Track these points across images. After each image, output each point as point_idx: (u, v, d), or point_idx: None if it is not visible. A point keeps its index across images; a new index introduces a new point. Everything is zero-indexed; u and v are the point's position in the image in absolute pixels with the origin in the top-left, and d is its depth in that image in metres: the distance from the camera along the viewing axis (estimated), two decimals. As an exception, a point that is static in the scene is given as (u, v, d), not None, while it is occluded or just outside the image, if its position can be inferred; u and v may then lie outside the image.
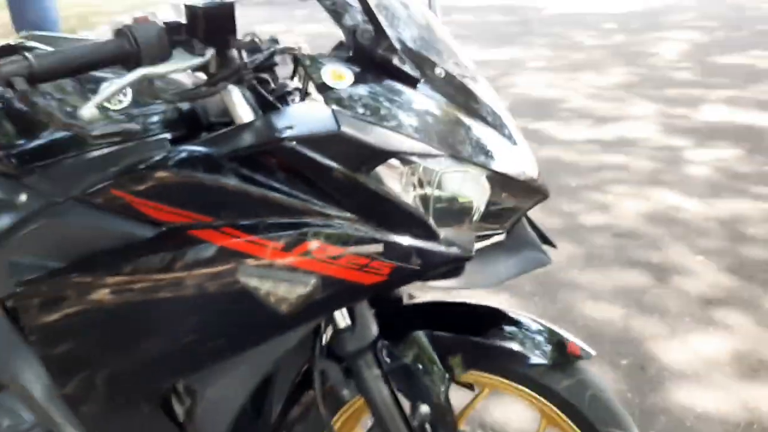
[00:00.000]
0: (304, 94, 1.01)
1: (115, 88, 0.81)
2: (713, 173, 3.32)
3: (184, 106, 1.02)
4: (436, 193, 0.84)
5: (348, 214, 0.84)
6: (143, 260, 0.93)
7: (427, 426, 1.00)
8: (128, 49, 0.84)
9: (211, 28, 0.88)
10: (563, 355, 1.01)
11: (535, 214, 1.00)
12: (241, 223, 0.87)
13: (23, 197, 1.03)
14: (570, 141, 3.87)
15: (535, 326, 1.05)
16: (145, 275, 0.93)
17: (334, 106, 0.83)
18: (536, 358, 1.00)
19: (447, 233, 0.86)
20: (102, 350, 1.00)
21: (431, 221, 0.85)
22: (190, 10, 0.88)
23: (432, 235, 0.85)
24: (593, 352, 1.02)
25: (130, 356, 0.98)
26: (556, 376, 1.02)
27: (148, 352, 0.97)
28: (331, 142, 0.81)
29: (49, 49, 0.94)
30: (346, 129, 0.81)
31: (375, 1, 0.87)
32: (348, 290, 0.87)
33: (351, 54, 0.91)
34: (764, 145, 3.67)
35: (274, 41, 1.05)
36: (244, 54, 0.94)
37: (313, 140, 0.82)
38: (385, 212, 0.84)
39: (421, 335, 1.01)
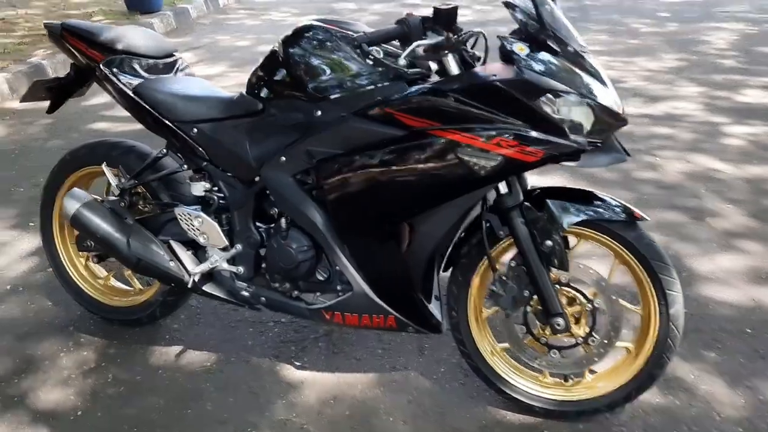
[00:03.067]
0: (484, 61, 1.73)
1: (407, 52, 1.56)
2: (746, 144, 3.96)
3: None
4: (570, 115, 1.56)
5: (521, 123, 1.57)
6: (396, 147, 1.67)
7: (554, 256, 1.72)
8: (405, 31, 1.59)
9: (444, 21, 1.62)
10: (631, 217, 1.72)
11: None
12: (460, 126, 1.60)
13: (318, 113, 1.78)
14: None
15: (614, 201, 1.76)
16: (396, 155, 1.67)
17: (520, 65, 1.55)
18: (616, 217, 1.72)
19: (573, 137, 1.57)
20: (365, 199, 1.74)
21: (566, 129, 1.56)
22: (435, 10, 1.62)
23: (566, 136, 1.57)
24: (649, 218, 1.73)
25: (383, 203, 1.73)
26: (627, 230, 1.73)
27: (395, 200, 1.72)
28: (518, 83, 1.54)
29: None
30: (526, 76, 1.54)
31: (540, 8, 1.58)
32: (518, 165, 1.59)
33: (524, 36, 1.62)
34: (794, 124, 4.27)
35: (460, 29, 1.74)
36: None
37: (509, 82, 1.55)
38: (543, 122, 1.56)
39: (547, 201, 1.73)
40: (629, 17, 7.99)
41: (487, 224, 1.78)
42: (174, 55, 2.19)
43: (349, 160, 1.73)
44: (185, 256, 2.07)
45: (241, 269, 2.02)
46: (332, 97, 1.75)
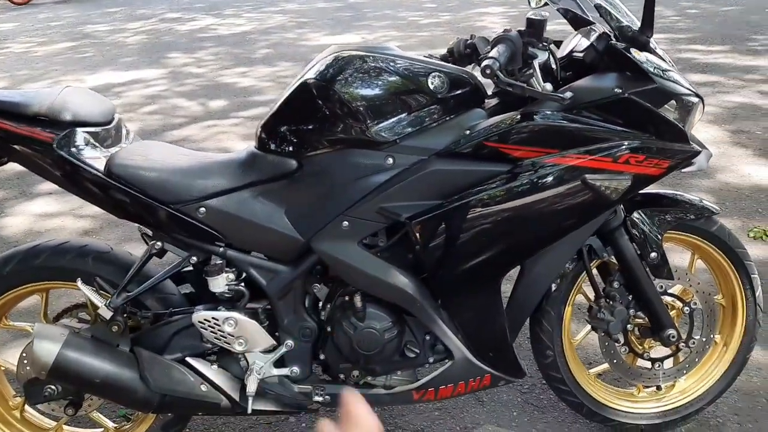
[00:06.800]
0: (557, 73, 1.54)
1: (538, 73, 1.33)
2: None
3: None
4: (689, 118, 1.46)
5: (647, 135, 1.43)
6: (503, 186, 1.43)
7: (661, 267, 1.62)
8: (513, 49, 1.36)
9: (539, 32, 1.42)
10: (710, 211, 1.68)
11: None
12: (583, 149, 1.41)
13: (389, 161, 1.45)
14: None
15: (689, 197, 1.70)
16: (508, 194, 1.42)
17: (646, 71, 1.40)
18: (700, 213, 1.66)
19: (692, 140, 1.48)
20: (477, 249, 1.47)
21: (689, 133, 1.47)
22: (529, 20, 1.41)
23: (687, 141, 1.47)
24: (720, 210, 1.71)
25: (499, 251, 1.47)
26: (710, 224, 1.69)
27: (512, 245, 1.47)
28: (650, 93, 1.40)
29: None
30: (658, 84, 1.40)
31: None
32: (643, 181, 1.45)
33: (622, 42, 1.47)
34: None
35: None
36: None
37: (642, 93, 1.39)
38: (665, 130, 1.44)
39: (643, 212, 1.62)
40: (402, 11, 8.28)
41: (587, 248, 1.62)
42: (115, 117, 1.65)
43: (452, 210, 1.44)
44: (212, 372, 1.58)
45: (295, 369, 1.60)
46: (403, 139, 1.45)
